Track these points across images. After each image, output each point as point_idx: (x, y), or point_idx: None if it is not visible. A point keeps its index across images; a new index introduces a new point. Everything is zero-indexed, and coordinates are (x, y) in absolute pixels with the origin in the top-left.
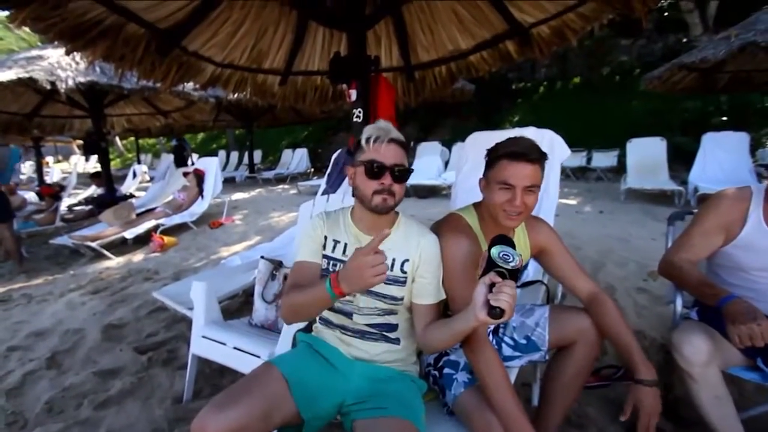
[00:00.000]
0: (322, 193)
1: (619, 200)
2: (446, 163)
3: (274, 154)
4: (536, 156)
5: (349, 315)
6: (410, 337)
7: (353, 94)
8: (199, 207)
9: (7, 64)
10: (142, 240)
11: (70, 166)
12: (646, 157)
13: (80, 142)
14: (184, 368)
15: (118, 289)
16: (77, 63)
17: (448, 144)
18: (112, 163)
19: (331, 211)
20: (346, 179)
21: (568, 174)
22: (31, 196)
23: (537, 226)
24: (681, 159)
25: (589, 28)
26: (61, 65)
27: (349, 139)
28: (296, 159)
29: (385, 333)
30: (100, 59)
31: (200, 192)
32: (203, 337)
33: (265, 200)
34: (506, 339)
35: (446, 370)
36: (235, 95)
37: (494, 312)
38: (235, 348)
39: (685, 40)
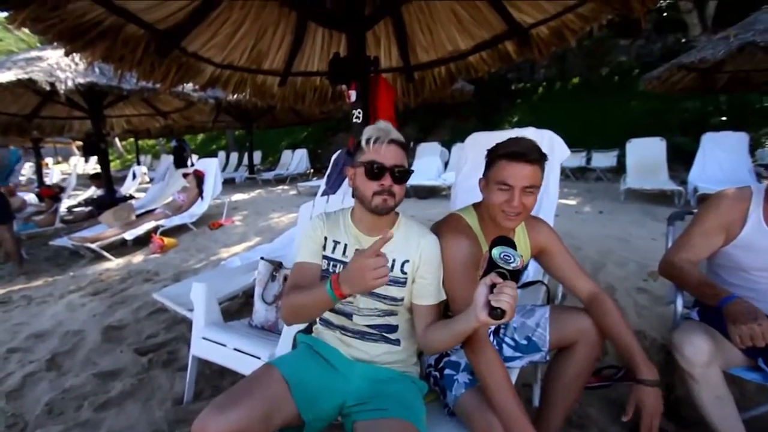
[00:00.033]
0: (322, 194)
1: (618, 200)
2: (446, 164)
3: (274, 155)
4: (535, 156)
5: (349, 316)
6: (410, 338)
7: (353, 95)
8: (199, 208)
9: (6, 66)
10: (142, 241)
11: (70, 168)
12: (646, 157)
13: (80, 143)
14: (185, 370)
15: (118, 290)
16: (76, 64)
17: (447, 144)
18: (112, 164)
19: (331, 212)
20: (346, 180)
21: (568, 174)
22: (30, 197)
23: (537, 227)
24: (680, 159)
25: (588, 29)
26: (61, 66)
27: (348, 139)
28: (296, 160)
29: (385, 334)
30: (100, 60)
31: (200, 193)
32: (203, 338)
33: (264, 201)
34: (507, 339)
35: (447, 371)
36: (235, 96)
37: (495, 313)
38: (235, 349)
39: (683, 40)
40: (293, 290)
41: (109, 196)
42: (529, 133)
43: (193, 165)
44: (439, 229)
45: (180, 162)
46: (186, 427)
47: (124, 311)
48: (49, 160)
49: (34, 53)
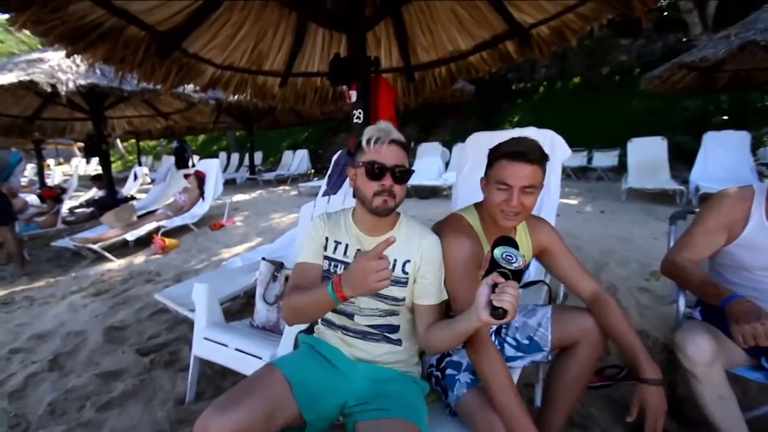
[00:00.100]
0: (323, 195)
1: (620, 200)
2: (447, 164)
3: (275, 156)
4: (536, 156)
5: (350, 316)
6: (412, 338)
7: (353, 95)
8: (200, 209)
9: (7, 67)
10: (144, 242)
11: (71, 169)
12: (647, 156)
13: (81, 144)
14: (186, 370)
15: (120, 291)
16: (78, 66)
17: (448, 144)
18: (113, 165)
19: (332, 212)
20: (347, 180)
21: (569, 174)
22: (32, 198)
23: (538, 226)
24: (682, 158)
25: (588, 28)
26: (62, 68)
27: (349, 140)
28: (297, 160)
29: (386, 334)
30: (101, 62)
31: (201, 194)
32: (205, 338)
33: (265, 201)
34: (509, 339)
35: (449, 371)
36: (236, 97)
37: (497, 312)
38: (236, 349)
39: (684, 39)
40: (294, 291)
41: (110, 197)
42: (531, 132)
43: (194, 166)
44: (440, 229)
45: (181, 163)
46: (188, 427)
47: (125, 312)
48: (50, 162)
49: (35, 55)
